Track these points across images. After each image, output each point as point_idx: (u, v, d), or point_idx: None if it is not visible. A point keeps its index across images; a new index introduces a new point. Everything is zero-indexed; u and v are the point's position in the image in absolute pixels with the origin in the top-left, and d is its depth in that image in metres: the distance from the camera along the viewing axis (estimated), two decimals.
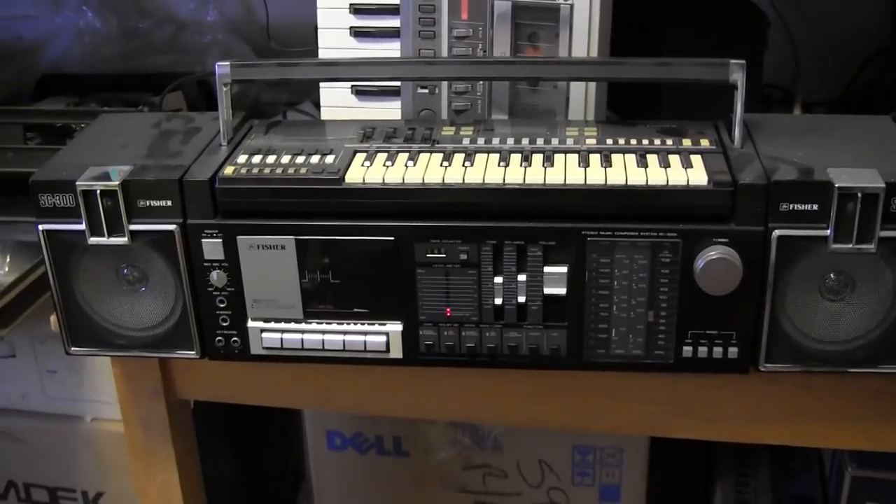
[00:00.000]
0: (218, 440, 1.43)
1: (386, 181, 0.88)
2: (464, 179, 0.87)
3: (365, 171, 0.89)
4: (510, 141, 0.93)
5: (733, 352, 0.89)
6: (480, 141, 0.93)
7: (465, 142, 0.93)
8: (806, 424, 0.98)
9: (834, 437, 0.99)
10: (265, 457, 1.57)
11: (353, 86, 1.05)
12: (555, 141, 0.93)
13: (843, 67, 1.44)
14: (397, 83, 1.03)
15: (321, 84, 1.06)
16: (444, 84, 1.02)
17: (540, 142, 0.93)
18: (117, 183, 0.89)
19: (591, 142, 0.93)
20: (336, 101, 1.06)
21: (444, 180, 0.87)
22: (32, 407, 1.41)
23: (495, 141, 0.93)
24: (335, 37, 1.04)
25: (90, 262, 0.93)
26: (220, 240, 0.90)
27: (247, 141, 0.96)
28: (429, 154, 0.91)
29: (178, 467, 1.14)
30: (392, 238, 0.88)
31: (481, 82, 1.02)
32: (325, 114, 1.07)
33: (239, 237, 0.90)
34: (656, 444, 1.33)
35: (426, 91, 1.03)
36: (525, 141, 0.93)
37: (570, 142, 0.93)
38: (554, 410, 1.02)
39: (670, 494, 1.40)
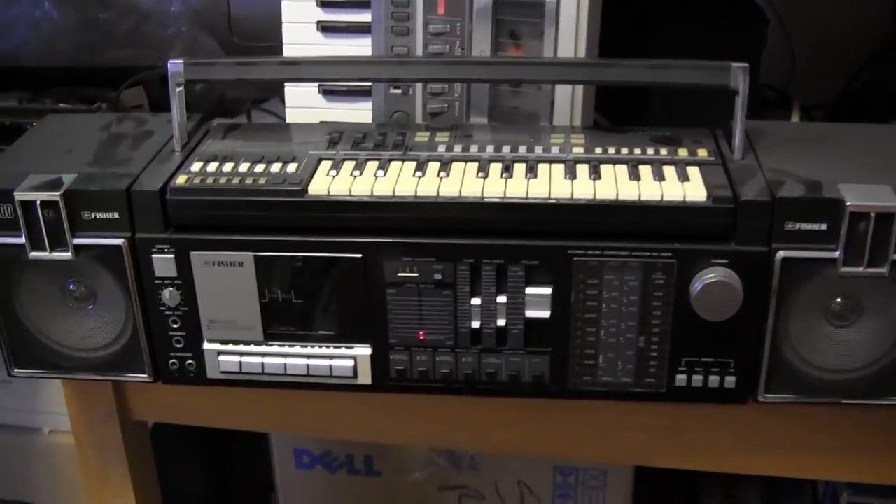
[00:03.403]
0: (181, 456, 1.35)
1: (353, 192, 0.80)
2: (438, 192, 0.80)
3: (330, 182, 0.81)
4: (490, 148, 0.86)
5: (730, 381, 0.82)
6: (457, 148, 0.86)
7: (441, 149, 0.86)
8: (802, 456, 0.91)
9: (831, 469, 0.93)
10: (233, 470, 1.50)
11: (320, 85, 0.98)
12: (539, 149, 0.86)
13: (840, 68, 1.37)
14: (368, 83, 0.96)
15: (287, 86, 0.99)
16: (419, 84, 0.94)
17: (522, 150, 0.85)
18: (59, 193, 0.81)
19: (579, 150, 0.85)
20: (302, 101, 0.98)
21: (416, 192, 0.80)
22: None
23: (474, 148, 0.86)
24: (301, 32, 0.95)
25: (32, 277, 0.85)
26: (172, 255, 0.82)
27: (203, 146, 0.88)
28: (401, 162, 0.84)
29: (135, 491, 1.06)
30: (360, 255, 0.81)
31: (459, 83, 0.94)
32: (291, 115, 0.99)
33: (192, 253, 0.82)
34: (641, 465, 1.26)
35: (399, 92, 0.95)
36: (506, 149, 0.86)
37: (555, 150, 0.85)
38: (534, 438, 0.95)
39: None
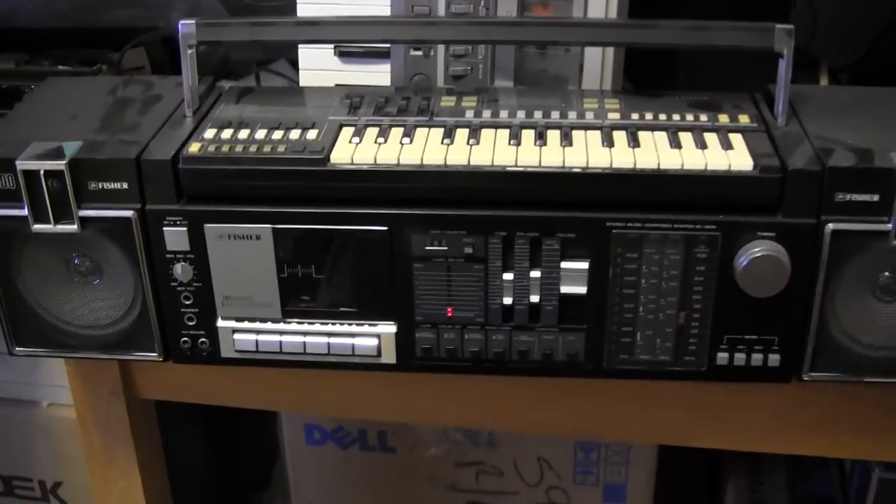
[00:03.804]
0: (183, 430, 1.31)
1: (378, 161, 0.75)
2: (469, 160, 0.75)
3: (353, 150, 0.76)
4: (521, 114, 0.81)
5: (774, 359, 0.78)
6: (486, 114, 0.81)
7: (469, 115, 0.81)
8: (844, 436, 0.88)
9: (874, 449, 0.89)
10: (236, 443, 1.46)
11: (336, 46, 0.92)
12: (572, 114, 0.81)
13: (864, 29, 1.32)
14: (387, 45, 0.91)
15: (300, 46, 0.93)
16: (441, 46, 0.89)
17: (555, 115, 0.81)
18: (65, 162, 0.76)
19: (614, 116, 0.81)
20: (317, 63, 0.93)
21: (446, 161, 0.75)
22: None
23: (503, 114, 0.81)
24: None
25: (35, 251, 0.81)
26: (185, 228, 0.77)
27: (215, 111, 0.83)
28: (427, 129, 0.79)
29: (141, 471, 1.02)
30: (385, 228, 0.76)
31: (484, 45, 0.89)
32: (304, 78, 0.94)
33: (206, 225, 0.77)
34: None
35: (420, 54, 0.90)
36: (538, 114, 0.81)
37: (589, 116, 0.81)
38: (563, 417, 0.91)
39: (678, 494, 1.30)
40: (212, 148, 0.77)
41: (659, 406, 0.88)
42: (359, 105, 0.83)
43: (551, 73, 0.90)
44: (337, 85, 0.91)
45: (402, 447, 1.26)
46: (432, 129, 0.79)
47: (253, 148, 0.76)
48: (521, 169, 0.75)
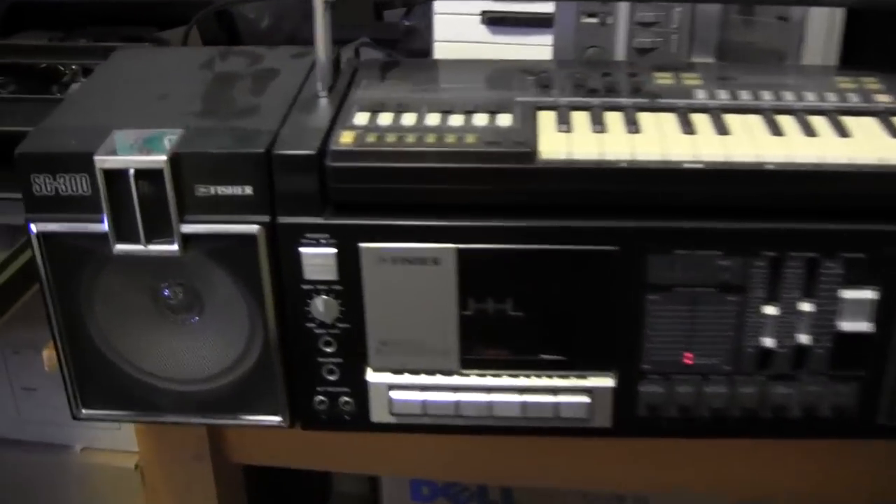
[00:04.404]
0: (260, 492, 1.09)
1: (606, 157, 0.55)
2: (729, 155, 0.55)
3: (567, 141, 0.56)
4: (766, 96, 0.61)
5: None
6: (723, 95, 0.61)
7: (701, 95, 0.61)
8: None
9: None
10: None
11: (483, 12, 0.72)
12: (831, 97, 0.62)
13: None
14: (549, 7, 0.71)
15: (435, 11, 0.73)
16: (623, 9, 0.70)
17: (811, 98, 0.61)
18: (164, 158, 0.55)
19: (884, 99, 0.61)
20: (457, 32, 0.73)
21: (702, 157, 0.55)
22: (4, 433, 1.11)
23: (744, 95, 0.61)
24: None
25: (114, 280, 0.60)
26: (333, 249, 0.57)
27: (356, 91, 0.62)
28: (652, 114, 0.59)
29: None
30: (616, 248, 0.56)
31: (678, 9, 0.70)
32: (440, 53, 0.73)
33: (363, 245, 0.56)
34: None
35: (595, 21, 0.70)
36: (788, 96, 0.61)
37: (854, 99, 0.61)
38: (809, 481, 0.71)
39: None
40: (371, 138, 0.56)
41: None
42: (548, 83, 0.62)
43: (760, 46, 0.71)
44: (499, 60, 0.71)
45: None
46: (660, 115, 0.59)
47: (430, 138, 0.56)
48: (799, 166, 0.55)
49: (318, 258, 0.57)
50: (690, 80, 0.63)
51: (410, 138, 0.56)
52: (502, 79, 0.63)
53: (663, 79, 0.63)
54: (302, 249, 0.57)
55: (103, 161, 0.55)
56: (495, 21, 0.72)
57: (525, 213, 0.56)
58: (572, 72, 0.64)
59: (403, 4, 0.89)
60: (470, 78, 0.64)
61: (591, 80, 0.63)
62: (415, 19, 0.92)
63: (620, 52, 0.71)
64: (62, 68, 0.80)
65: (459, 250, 0.56)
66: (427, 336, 0.59)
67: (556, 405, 0.59)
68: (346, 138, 0.56)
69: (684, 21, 0.70)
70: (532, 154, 0.55)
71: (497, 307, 0.57)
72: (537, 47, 0.72)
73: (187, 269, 0.59)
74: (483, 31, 0.73)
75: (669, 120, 0.58)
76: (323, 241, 0.56)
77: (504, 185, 0.55)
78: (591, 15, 0.71)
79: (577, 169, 0.55)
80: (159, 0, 0.99)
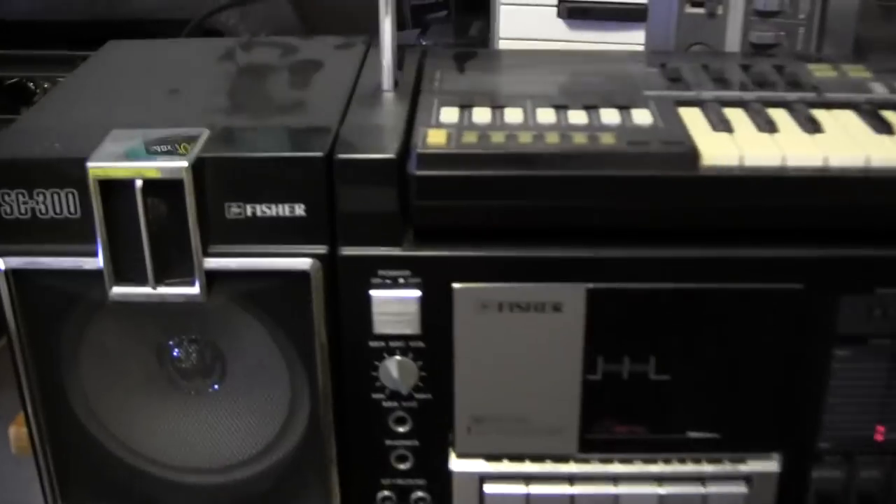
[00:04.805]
0: None
1: (789, 163, 0.41)
2: None
3: (733, 144, 0.42)
4: None
5: None
6: None
7: (879, 89, 0.48)
8: None
9: None
10: None
11: (561, 2, 0.58)
12: None
13: None
14: None
15: (500, 2, 0.59)
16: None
17: None
18: (185, 164, 0.40)
19: None
20: (529, 28, 0.59)
21: None
22: None
23: None
24: None
25: (106, 334, 0.46)
26: (416, 291, 0.41)
27: (432, 83, 0.47)
28: (827, 111, 0.45)
29: None
30: (799, 285, 0.42)
31: None
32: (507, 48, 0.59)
33: (457, 286, 0.41)
34: None
35: (700, 11, 0.57)
36: None
37: None
38: None
39: None
40: (470, 137, 0.41)
41: None
42: (677, 76, 0.48)
43: None
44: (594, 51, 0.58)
45: None
46: (836, 112, 0.45)
47: (552, 137, 0.41)
48: None
49: (394, 304, 0.42)
50: (857, 72, 0.50)
51: (525, 137, 0.41)
52: (615, 70, 0.49)
53: (822, 71, 0.50)
54: (373, 292, 0.42)
55: (99, 169, 0.40)
56: (576, 13, 0.58)
57: (678, 239, 0.42)
58: (701, 62, 0.50)
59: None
60: (570, 70, 0.50)
61: (728, 73, 0.49)
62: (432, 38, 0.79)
63: (733, 49, 0.58)
64: (32, 85, 0.65)
65: (590, 291, 0.41)
66: (537, 409, 0.43)
67: (705, 497, 0.45)
68: (436, 138, 0.41)
69: (814, 11, 0.57)
70: (689, 156, 0.41)
71: (635, 369, 0.43)
72: (625, 46, 0.58)
73: (209, 320, 0.44)
74: (560, 27, 0.59)
75: (851, 118, 0.45)
76: (402, 279, 0.41)
77: (656, 199, 0.41)
78: (696, 4, 0.57)
79: (754, 177, 0.41)
80: (132, 19, 0.84)
